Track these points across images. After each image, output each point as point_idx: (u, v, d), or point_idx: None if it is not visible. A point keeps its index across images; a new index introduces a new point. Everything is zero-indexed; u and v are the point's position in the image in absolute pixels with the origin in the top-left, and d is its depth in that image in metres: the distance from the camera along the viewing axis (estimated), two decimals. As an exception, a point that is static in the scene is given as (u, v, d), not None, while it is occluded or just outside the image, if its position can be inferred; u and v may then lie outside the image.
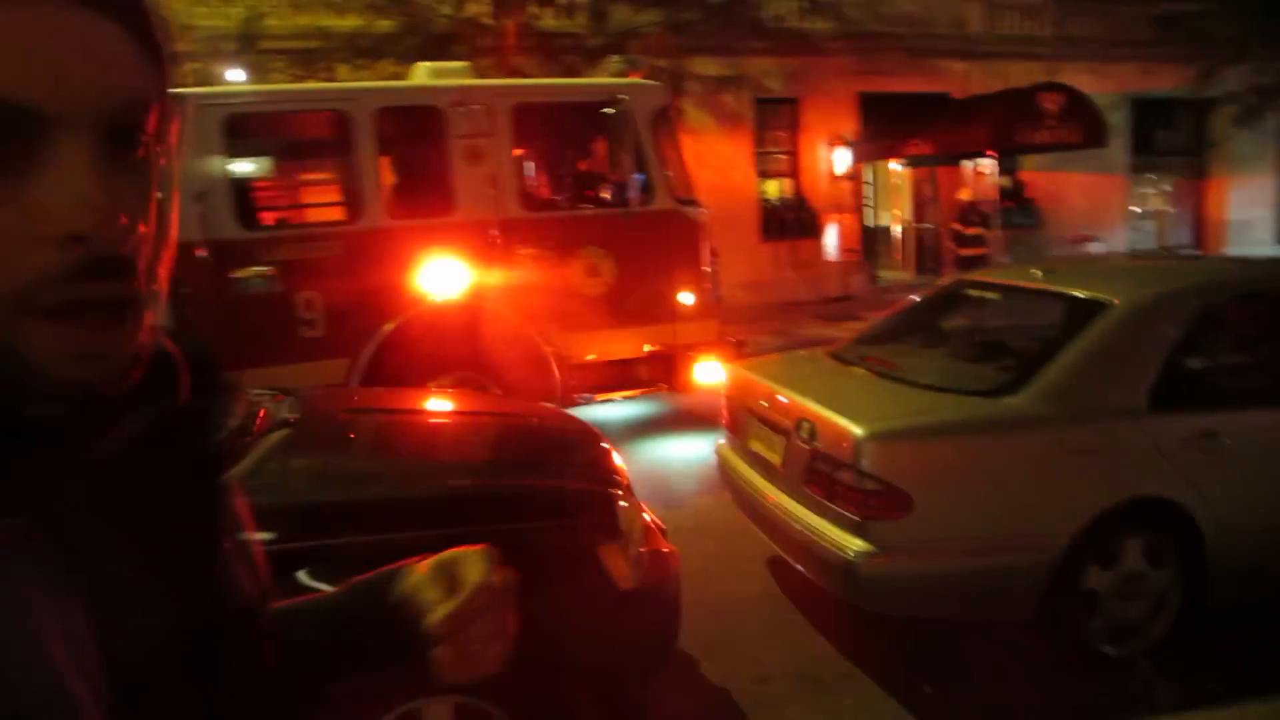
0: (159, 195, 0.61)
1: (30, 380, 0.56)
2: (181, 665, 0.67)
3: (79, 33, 0.53)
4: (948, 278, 6.04)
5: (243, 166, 6.37)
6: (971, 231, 13.07)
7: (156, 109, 0.59)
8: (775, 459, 3.96)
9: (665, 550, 3.23)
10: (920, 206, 17.94)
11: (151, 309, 0.61)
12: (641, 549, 3.03)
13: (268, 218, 6.55)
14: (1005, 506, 3.49)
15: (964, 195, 13.78)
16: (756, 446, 4.17)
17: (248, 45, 11.53)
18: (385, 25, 11.72)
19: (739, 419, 4.43)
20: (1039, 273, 4.34)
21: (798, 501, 3.76)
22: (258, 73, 11.34)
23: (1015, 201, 17.39)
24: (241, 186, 6.24)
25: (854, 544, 3.38)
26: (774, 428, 4.01)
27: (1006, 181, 17.08)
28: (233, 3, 12.25)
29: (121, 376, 0.61)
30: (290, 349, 5.78)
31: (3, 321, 0.54)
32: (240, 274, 5.81)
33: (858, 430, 3.42)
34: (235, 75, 11.19)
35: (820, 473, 3.59)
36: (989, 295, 4.59)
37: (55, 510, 0.59)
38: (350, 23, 11.65)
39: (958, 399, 3.70)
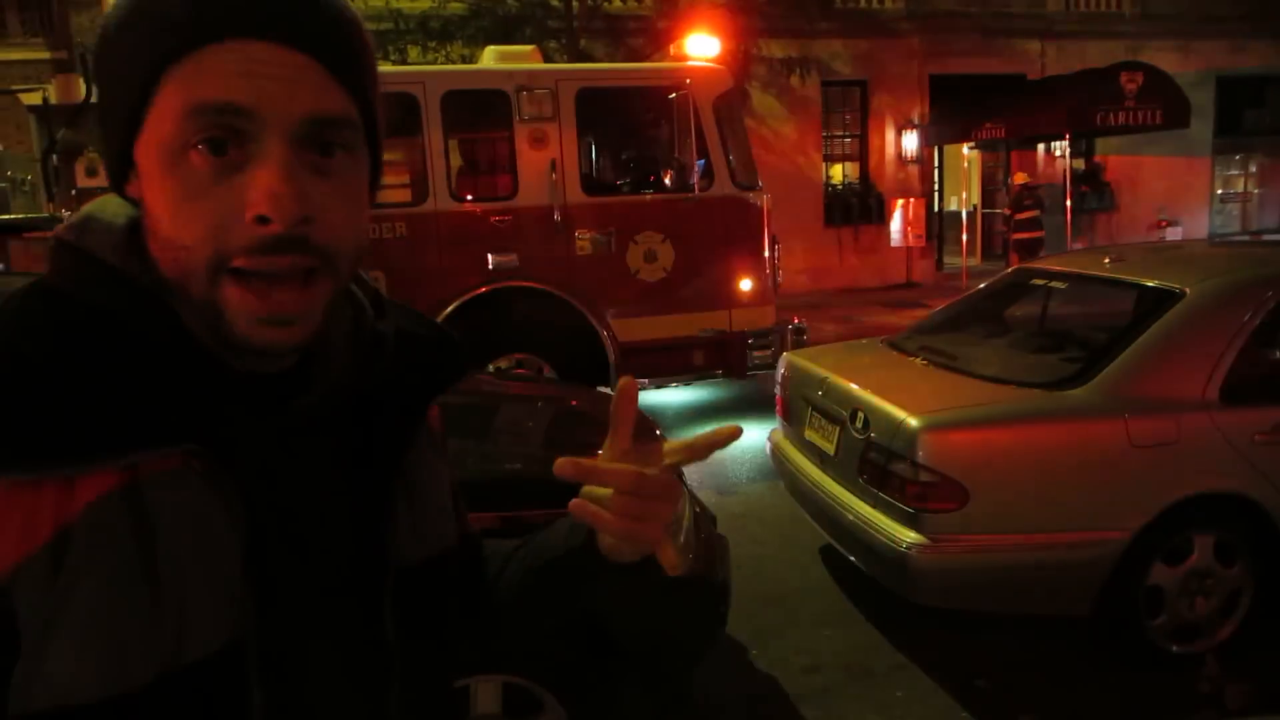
0: (352, 193, 0.75)
1: (230, 336, 0.70)
2: (346, 605, 0.80)
3: (282, 61, 0.69)
4: (1013, 265, 5.89)
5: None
6: (1025, 216, 12.87)
7: (353, 133, 0.74)
8: (829, 448, 3.93)
9: (715, 537, 3.25)
10: (990, 191, 17.52)
11: (334, 286, 0.74)
12: (690, 535, 3.05)
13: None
14: (1066, 500, 3.42)
15: (1018, 179, 13.58)
16: (811, 435, 4.15)
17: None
18: (456, 8, 11.83)
19: (794, 407, 4.41)
20: (1107, 260, 4.21)
21: (851, 491, 3.74)
22: (374, 66, 11.55)
23: (1091, 185, 16.86)
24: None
25: (907, 535, 3.35)
26: (828, 416, 3.98)
27: (1081, 164, 16.56)
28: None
29: (301, 344, 0.74)
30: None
31: (209, 280, 0.69)
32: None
33: (913, 421, 3.38)
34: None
35: (874, 463, 3.56)
36: (1054, 284, 4.48)
37: (244, 449, 0.73)
38: (423, 5, 11.79)
39: (1019, 391, 3.63)
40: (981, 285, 4.98)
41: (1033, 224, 12.90)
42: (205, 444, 0.70)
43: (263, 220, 0.68)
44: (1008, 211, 13.35)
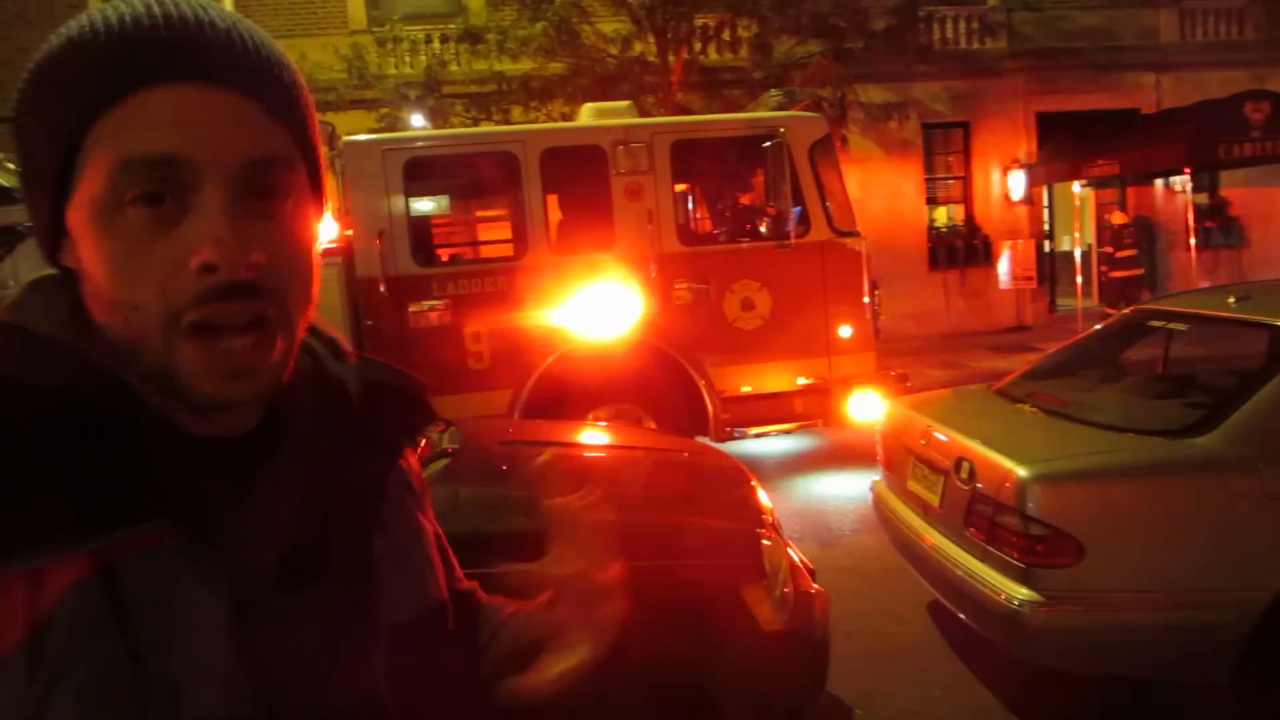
0: (298, 235, 0.72)
1: (189, 394, 0.68)
2: (338, 670, 0.76)
3: (220, 105, 0.67)
4: (1132, 305, 5.60)
5: (421, 206, 6.78)
6: (1124, 254, 12.72)
7: (294, 171, 0.72)
8: (934, 499, 3.79)
9: (813, 591, 3.16)
10: (1104, 229, 16.83)
11: (288, 333, 0.72)
12: (787, 589, 2.97)
13: (442, 254, 6.94)
14: (1195, 557, 3.19)
15: (1116, 219, 13.34)
16: (914, 486, 4.01)
17: (431, 91, 12.26)
18: (556, 68, 12.20)
19: (896, 457, 4.28)
20: (1232, 300, 3.97)
21: (957, 545, 3.58)
22: (439, 116, 12.05)
23: (1216, 221, 16.02)
24: (419, 225, 6.62)
25: (1019, 592, 3.19)
26: (932, 467, 3.84)
27: (1204, 200, 15.77)
28: (418, 52, 13.11)
29: (271, 392, 0.71)
30: (459, 379, 6.07)
31: (162, 340, 0.67)
32: (416, 307, 6.17)
33: (1021, 471, 3.24)
34: (418, 120, 11.94)
35: (981, 515, 3.41)
36: (1174, 326, 4.24)
37: (214, 517, 0.69)
38: (524, 66, 12.20)
39: (1138, 439, 3.43)
40: (1096, 328, 4.76)
41: (1132, 262, 12.76)
42: (175, 517, 0.66)
43: (208, 268, 0.65)
44: (1109, 249, 13.07)
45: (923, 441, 3.95)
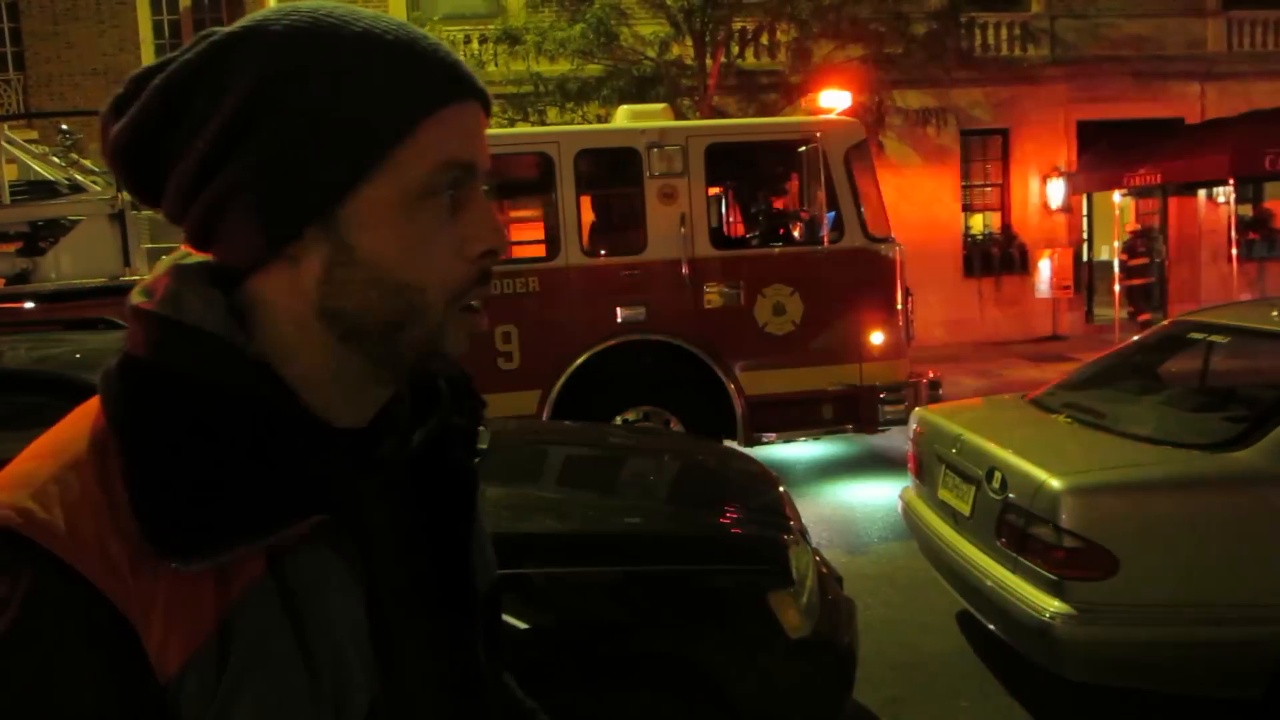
0: None
1: (436, 359, 0.77)
2: (435, 644, 0.82)
3: (482, 122, 0.78)
4: (1169, 316, 5.48)
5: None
6: (1137, 262, 12.77)
7: None
8: (965, 509, 3.76)
9: (841, 599, 3.14)
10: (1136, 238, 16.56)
11: None
12: (815, 597, 2.95)
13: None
14: (1231, 572, 3.14)
15: (1132, 225, 13.39)
16: (945, 495, 3.97)
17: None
18: (593, 70, 12.23)
19: (927, 465, 4.24)
20: (1276, 314, 3.89)
21: (988, 555, 3.54)
22: None
23: (1260, 233, 15.71)
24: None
25: (1051, 605, 3.15)
26: (964, 476, 3.80)
27: (1247, 211, 15.48)
28: (457, 52, 13.20)
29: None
30: (488, 379, 6.10)
31: (442, 315, 0.74)
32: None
33: (1055, 482, 3.19)
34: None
35: (1013, 526, 3.37)
36: (1215, 338, 4.17)
37: (354, 508, 0.74)
38: (561, 68, 12.25)
39: (1175, 452, 3.37)
40: (1134, 338, 4.69)
41: (1142, 270, 12.85)
42: (326, 509, 0.70)
43: (491, 253, 0.76)
44: (1122, 257, 13.10)
45: (954, 450, 3.91)
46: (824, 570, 3.22)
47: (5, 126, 7.90)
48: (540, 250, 6.63)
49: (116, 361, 0.72)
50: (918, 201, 14.39)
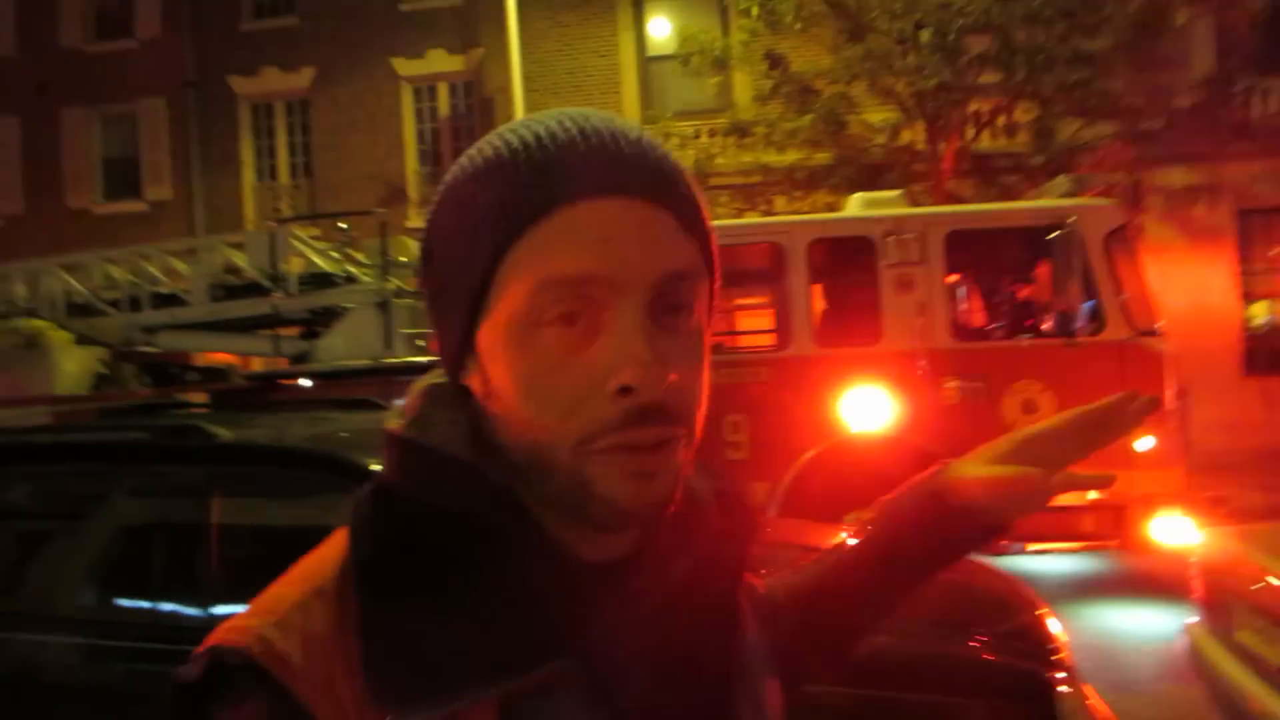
0: (700, 351, 0.71)
1: (595, 503, 0.65)
2: None
3: (639, 219, 0.65)
4: None
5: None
6: None
7: (700, 284, 0.70)
8: (1273, 658, 3.17)
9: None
10: None
11: (688, 453, 0.69)
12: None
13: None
14: None
15: None
16: (1246, 638, 3.38)
17: (699, 183, 12.67)
18: (822, 158, 12.21)
19: (1219, 598, 3.65)
20: None
21: (1307, 717, 2.95)
22: (707, 208, 12.44)
23: None
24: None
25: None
26: (1272, 618, 3.22)
27: None
28: (687, 146, 13.65)
29: (666, 503, 0.67)
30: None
31: (572, 458, 0.64)
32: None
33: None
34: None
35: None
36: None
37: (601, 650, 0.66)
38: (789, 157, 12.32)
39: None
40: None
41: None
42: (572, 653, 0.64)
43: (626, 390, 0.63)
44: None
45: (1258, 585, 3.33)
46: (1097, 715, 2.80)
47: (295, 226, 8.95)
48: (770, 340, 6.54)
49: (369, 488, 0.70)
50: (1184, 289, 13.04)
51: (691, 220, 0.70)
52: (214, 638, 0.63)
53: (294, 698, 0.60)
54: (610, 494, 0.64)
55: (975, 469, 0.88)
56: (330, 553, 0.68)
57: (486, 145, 0.68)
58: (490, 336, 0.67)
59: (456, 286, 0.68)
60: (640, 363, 0.63)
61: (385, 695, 0.59)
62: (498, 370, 0.66)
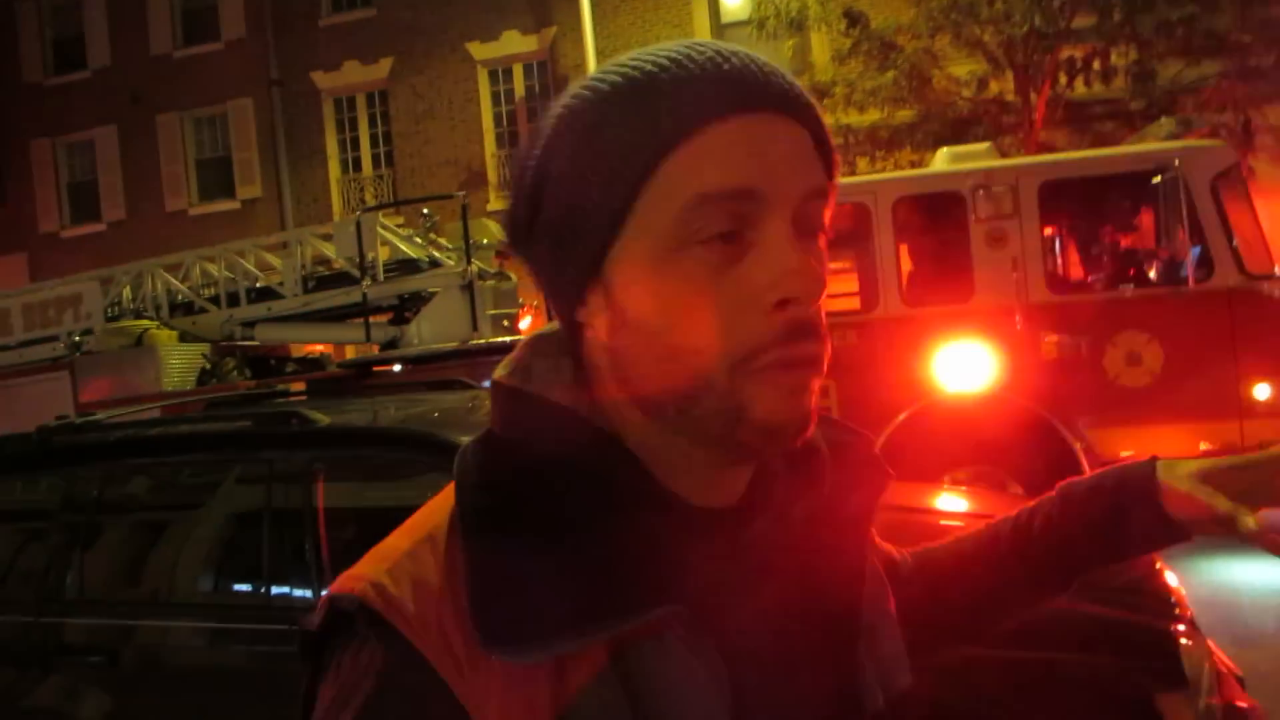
0: (826, 275, 0.69)
1: (744, 431, 0.64)
2: None
3: (784, 134, 0.65)
4: None
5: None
6: None
7: (829, 202, 0.69)
8: None
9: (1245, 706, 2.62)
10: None
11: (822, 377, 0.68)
12: (1214, 699, 2.49)
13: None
14: None
15: None
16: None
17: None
18: (905, 116, 11.92)
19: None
20: None
21: None
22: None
23: None
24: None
25: None
26: None
27: None
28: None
29: (808, 424, 0.66)
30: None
31: (729, 382, 0.63)
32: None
33: None
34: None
35: None
36: None
37: (715, 598, 0.66)
38: (871, 117, 12.06)
39: None
40: None
41: None
42: (680, 599, 0.63)
43: (788, 303, 0.62)
44: None
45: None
46: (1222, 669, 2.71)
47: (380, 215, 9.16)
48: (855, 303, 6.44)
49: (477, 437, 0.71)
50: (1299, 231, 12.36)
51: (821, 141, 0.69)
52: (334, 586, 0.65)
53: (407, 641, 0.61)
54: (766, 412, 0.63)
55: (1188, 483, 0.83)
56: (440, 503, 0.69)
57: (610, 74, 0.67)
58: (627, 264, 0.65)
59: (589, 213, 0.65)
60: (799, 275, 0.62)
61: (493, 638, 0.59)
62: (637, 297, 0.65)
